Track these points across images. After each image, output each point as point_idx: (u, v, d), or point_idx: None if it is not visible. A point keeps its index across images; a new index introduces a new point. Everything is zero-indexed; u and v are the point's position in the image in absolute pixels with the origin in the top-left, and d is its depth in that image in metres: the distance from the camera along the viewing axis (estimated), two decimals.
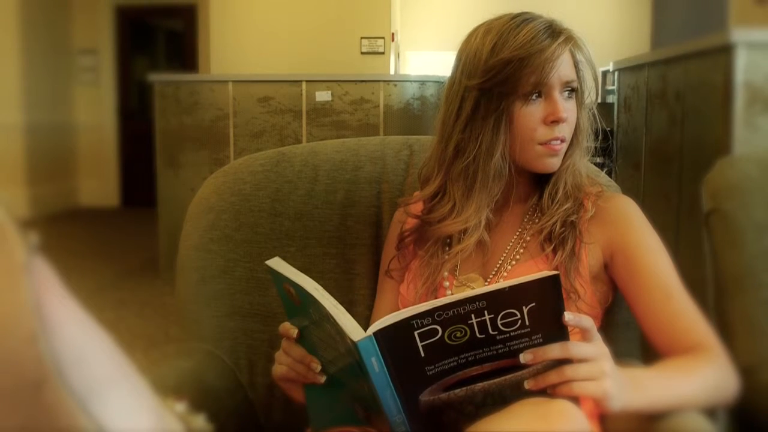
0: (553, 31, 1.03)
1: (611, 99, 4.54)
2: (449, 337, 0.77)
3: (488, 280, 1.08)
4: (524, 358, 0.79)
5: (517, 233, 1.10)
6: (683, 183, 2.19)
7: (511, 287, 0.76)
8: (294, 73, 4.64)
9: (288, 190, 1.31)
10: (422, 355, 0.77)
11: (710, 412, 0.95)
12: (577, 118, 1.07)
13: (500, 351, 0.78)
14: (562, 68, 1.03)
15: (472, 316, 0.76)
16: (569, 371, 0.79)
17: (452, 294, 1.07)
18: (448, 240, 1.11)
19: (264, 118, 4.41)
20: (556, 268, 1.02)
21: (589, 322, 0.82)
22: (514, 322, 0.77)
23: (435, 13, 7.95)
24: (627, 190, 1.15)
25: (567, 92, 1.05)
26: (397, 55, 6.74)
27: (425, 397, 0.79)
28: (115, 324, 3.81)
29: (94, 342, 0.48)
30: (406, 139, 1.37)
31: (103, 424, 0.45)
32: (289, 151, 1.36)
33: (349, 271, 1.30)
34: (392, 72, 6.06)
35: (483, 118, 1.04)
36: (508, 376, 0.79)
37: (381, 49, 5.86)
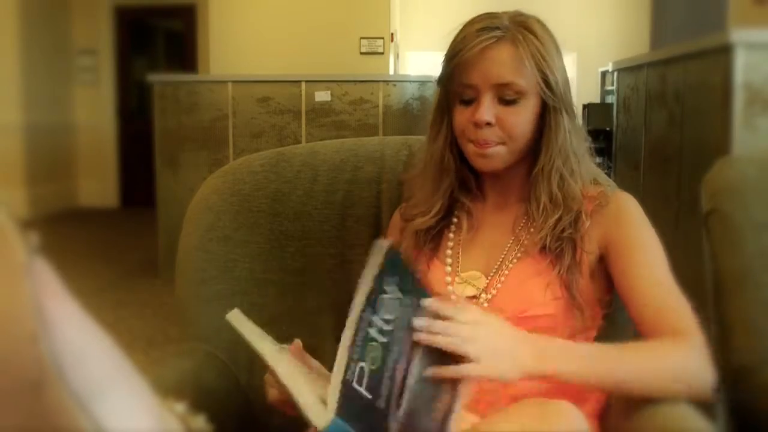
0: (487, 31, 1.02)
1: (610, 99, 4.55)
2: (371, 364, 0.80)
3: (490, 277, 1.08)
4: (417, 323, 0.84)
5: (515, 234, 1.10)
6: (682, 183, 2.19)
7: None
8: (293, 74, 4.63)
9: (287, 191, 1.31)
10: (369, 396, 0.79)
11: (708, 412, 0.95)
12: (554, 125, 1.05)
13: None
14: (494, 70, 1.02)
15: (369, 331, 0.80)
16: (439, 326, 0.85)
17: (453, 290, 1.09)
18: (432, 235, 1.14)
19: (263, 119, 4.41)
20: (558, 279, 1.03)
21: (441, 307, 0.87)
22: None
23: (434, 14, 7.95)
24: (626, 191, 1.15)
25: (508, 96, 1.03)
26: (397, 56, 6.74)
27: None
28: (115, 324, 3.80)
29: (95, 342, 0.48)
30: (406, 139, 1.37)
31: (103, 425, 0.45)
32: (289, 152, 1.37)
33: (348, 272, 1.30)
34: (391, 72, 6.06)
35: (437, 114, 1.11)
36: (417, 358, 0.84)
37: (380, 50, 5.86)
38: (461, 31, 1.05)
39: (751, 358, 1.13)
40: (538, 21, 1.07)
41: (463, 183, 1.13)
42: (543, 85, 1.03)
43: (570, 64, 7.18)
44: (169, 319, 3.78)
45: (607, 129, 4.31)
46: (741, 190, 1.21)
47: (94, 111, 8.11)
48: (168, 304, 4.05)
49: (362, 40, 5.83)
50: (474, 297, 1.07)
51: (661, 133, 2.45)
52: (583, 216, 1.05)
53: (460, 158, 1.11)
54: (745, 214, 1.19)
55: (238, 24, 5.90)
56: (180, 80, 4.70)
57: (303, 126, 4.40)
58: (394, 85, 4.43)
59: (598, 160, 1.22)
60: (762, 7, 4.30)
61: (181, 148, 4.45)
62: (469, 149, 1.07)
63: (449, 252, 1.12)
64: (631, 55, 3.32)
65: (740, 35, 1.83)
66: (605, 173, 1.21)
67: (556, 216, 1.04)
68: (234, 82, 4.47)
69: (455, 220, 1.14)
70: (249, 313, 1.28)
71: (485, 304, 1.05)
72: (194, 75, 6.36)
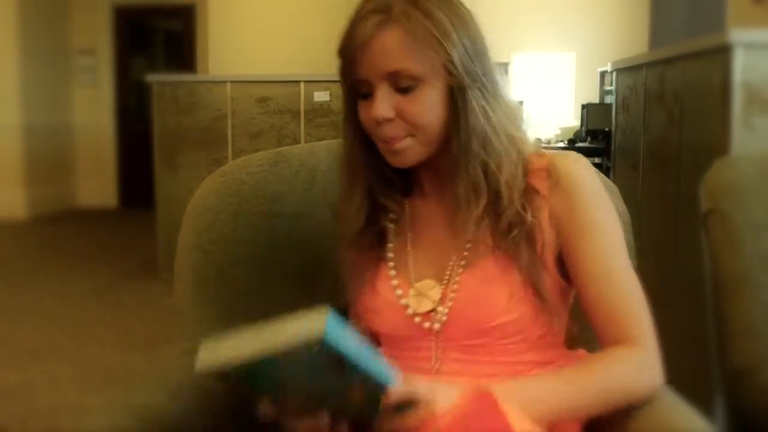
0: (372, 14, 0.90)
1: (609, 99, 4.54)
2: None
3: (443, 284, 0.97)
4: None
5: (457, 232, 0.97)
6: (681, 183, 2.19)
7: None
8: (292, 74, 4.64)
9: (286, 191, 1.31)
10: None
11: (708, 412, 0.95)
12: (462, 105, 0.92)
13: None
14: (380, 59, 0.90)
15: None
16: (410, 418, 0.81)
17: (407, 303, 0.98)
18: (370, 239, 1.03)
19: (262, 119, 4.41)
20: (520, 280, 0.93)
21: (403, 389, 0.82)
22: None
23: None
24: (625, 191, 1.15)
25: (403, 83, 0.91)
26: None
27: None
28: (114, 325, 3.81)
29: None
30: None
31: None
32: (288, 152, 1.36)
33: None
34: None
35: (345, 113, 1.00)
36: None
37: None
38: (350, 18, 0.92)
39: (750, 359, 1.13)
40: None
41: (390, 182, 1.01)
42: (444, 64, 0.90)
43: (569, 64, 7.17)
44: (169, 319, 3.78)
45: (606, 129, 4.31)
46: (740, 190, 1.21)
47: (93, 111, 8.12)
48: (167, 305, 4.05)
49: None
50: (432, 311, 0.96)
51: (660, 133, 2.45)
52: (523, 207, 0.94)
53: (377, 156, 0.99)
54: (745, 214, 1.19)
55: (237, 24, 5.90)
56: (179, 80, 4.70)
57: (302, 126, 4.40)
58: None
59: (597, 160, 1.22)
60: (761, 7, 4.31)
61: (180, 148, 4.45)
62: (380, 147, 0.96)
63: (391, 255, 1.01)
64: (629, 56, 3.32)
65: (739, 35, 1.83)
66: (604, 173, 1.21)
67: (482, 202, 0.93)
68: (233, 82, 4.47)
69: (389, 223, 1.03)
70: (247, 314, 1.28)
71: (444, 318, 0.95)
72: (193, 75, 6.36)
